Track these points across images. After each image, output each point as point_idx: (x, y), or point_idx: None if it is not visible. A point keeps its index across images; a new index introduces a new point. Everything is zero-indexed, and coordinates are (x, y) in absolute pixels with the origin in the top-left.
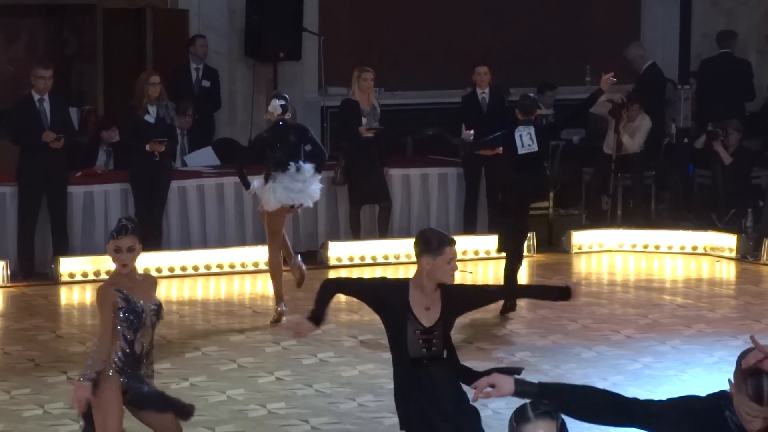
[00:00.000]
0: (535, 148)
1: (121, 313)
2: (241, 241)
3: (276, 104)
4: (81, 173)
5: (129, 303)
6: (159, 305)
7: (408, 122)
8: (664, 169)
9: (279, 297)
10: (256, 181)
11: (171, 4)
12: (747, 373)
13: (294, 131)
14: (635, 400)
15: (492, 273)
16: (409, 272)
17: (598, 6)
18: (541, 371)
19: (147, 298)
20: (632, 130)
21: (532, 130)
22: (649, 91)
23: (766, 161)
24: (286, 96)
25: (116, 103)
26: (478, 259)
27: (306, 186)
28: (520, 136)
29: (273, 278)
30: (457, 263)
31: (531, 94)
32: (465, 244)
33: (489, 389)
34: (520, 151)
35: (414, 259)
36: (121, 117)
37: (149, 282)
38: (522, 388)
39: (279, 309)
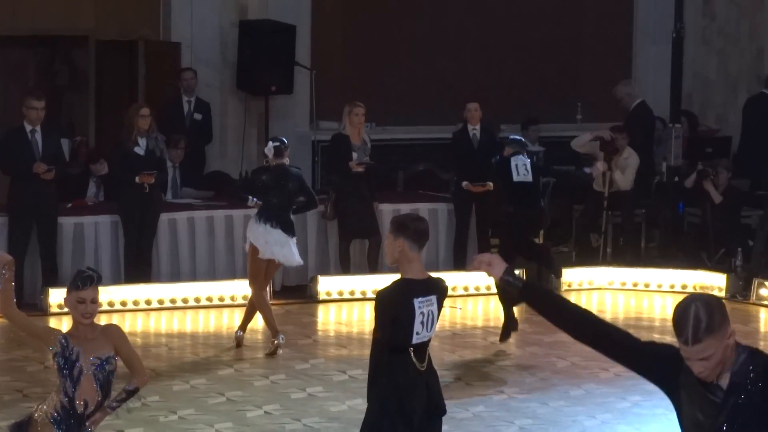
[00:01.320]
0: (529, 178)
1: (54, 359)
2: (231, 274)
3: (269, 146)
4: (71, 204)
5: (65, 350)
6: (106, 359)
7: (399, 157)
8: (654, 207)
9: (273, 330)
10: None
11: (163, 37)
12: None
13: (293, 179)
14: (618, 330)
15: (481, 309)
16: None
17: (589, 44)
18: (530, 408)
19: (94, 353)
20: (622, 166)
21: (528, 161)
22: (638, 128)
23: (756, 201)
24: (283, 139)
25: (108, 134)
26: (468, 295)
27: (287, 242)
28: (516, 165)
29: (261, 313)
30: (446, 299)
31: (515, 136)
32: (455, 280)
33: (486, 266)
34: (515, 178)
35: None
36: (111, 149)
37: (107, 335)
38: (508, 278)
39: (276, 342)
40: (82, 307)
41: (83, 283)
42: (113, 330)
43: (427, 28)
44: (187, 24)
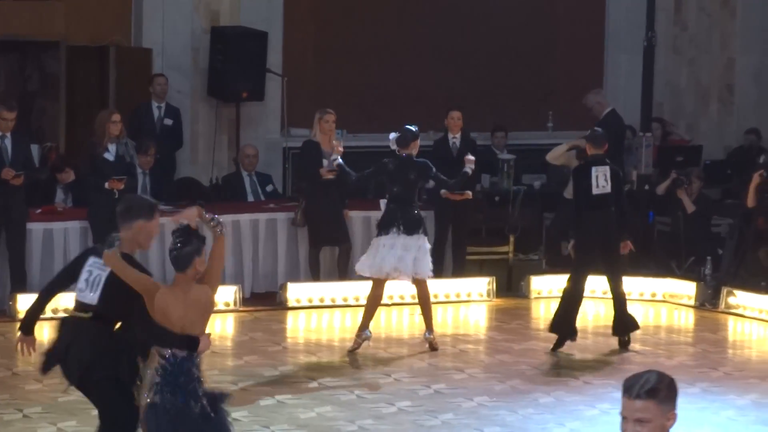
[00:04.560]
0: (608, 189)
1: None
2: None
3: (391, 137)
4: (41, 210)
5: None
6: None
7: (370, 164)
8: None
9: (364, 324)
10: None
11: (135, 43)
12: None
13: (415, 169)
14: None
15: (451, 317)
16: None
17: (561, 53)
18: (499, 416)
19: None
20: None
21: (607, 169)
22: (608, 137)
23: (726, 210)
24: (411, 128)
25: (78, 140)
26: (439, 302)
27: (420, 249)
28: (596, 176)
29: (365, 309)
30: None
31: (598, 129)
32: (434, 288)
33: None
34: (595, 191)
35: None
36: (81, 154)
37: None
38: None
39: (362, 335)
40: None
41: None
42: None
43: (398, 36)
44: (158, 30)
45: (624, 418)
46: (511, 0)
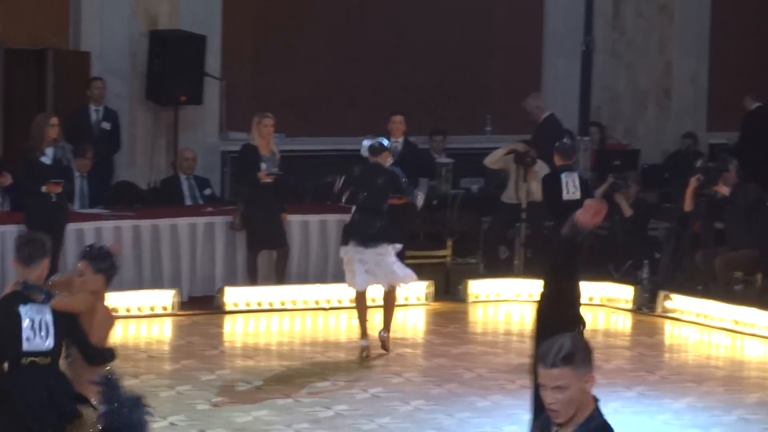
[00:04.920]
0: (578, 195)
1: None
2: (137, 285)
3: (364, 144)
4: None
5: None
6: None
7: (308, 169)
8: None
9: (362, 333)
10: None
11: (73, 46)
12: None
13: (384, 175)
14: None
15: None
16: (305, 319)
17: (499, 56)
18: (436, 420)
19: None
20: (537, 178)
21: (576, 177)
22: (547, 141)
23: (664, 213)
24: (382, 140)
25: (16, 143)
26: (376, 306)
27: (382, 260)
28: (566, 182)
29: (358, 311)
30: (345, 311)
31: (566, 140)
32: (372, 291)
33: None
34: (565, 197)
35: (312, 305)
36: (19, 158)
37: None
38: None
39: (361, 344)
40: None
41: None
42: None
43: (337, 40)
44: (96, 33)
45: (542, 386)
46: (450, 3)
